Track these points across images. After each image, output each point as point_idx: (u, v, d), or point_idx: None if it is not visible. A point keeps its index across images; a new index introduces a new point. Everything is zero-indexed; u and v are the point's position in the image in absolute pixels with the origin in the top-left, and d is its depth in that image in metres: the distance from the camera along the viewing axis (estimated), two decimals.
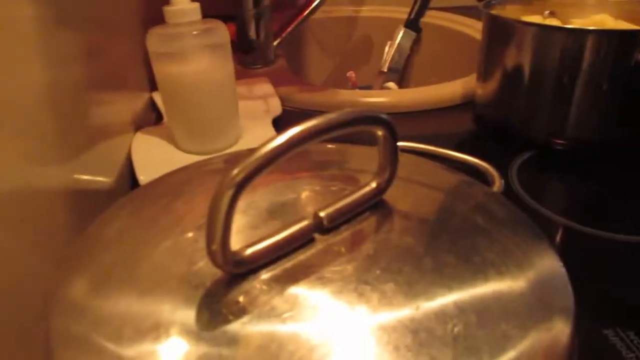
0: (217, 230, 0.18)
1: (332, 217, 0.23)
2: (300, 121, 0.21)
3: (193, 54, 0.48)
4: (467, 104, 0.64)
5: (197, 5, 0.48)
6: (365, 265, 0.21)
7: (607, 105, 0.50)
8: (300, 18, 0.78)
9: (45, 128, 0.33)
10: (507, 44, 0.54)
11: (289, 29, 0.78)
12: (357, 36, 1.03)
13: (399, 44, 0.96)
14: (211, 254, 0.19)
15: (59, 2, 0.37)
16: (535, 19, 0.63)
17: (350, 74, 0.98)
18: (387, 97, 0.64)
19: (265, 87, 0.65)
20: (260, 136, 0.53)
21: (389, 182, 0.24)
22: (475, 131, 0.60)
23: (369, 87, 0.96)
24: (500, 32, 0.55)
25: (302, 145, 0.19)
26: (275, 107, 0.61)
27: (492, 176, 0.34)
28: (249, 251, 0.21)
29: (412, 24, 0.95)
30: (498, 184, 0.32)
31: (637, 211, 0.45)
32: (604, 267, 0.38)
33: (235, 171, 0.19)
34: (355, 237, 0.23)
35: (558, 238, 0.41)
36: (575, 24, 0.61)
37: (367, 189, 0.24)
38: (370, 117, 0.21)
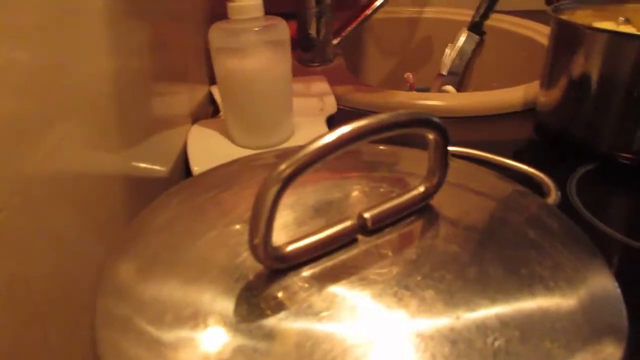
0: (260, 224, 0.19)
1: (376, 219, 0.23)
2: (352, 120, 0.21)
3: (253, 49, 0.49)
4: (529, 111, 0.62)
5: (259, 2, 0.48)
6: (407, 270, 0.21)
7: None
8: (360, 18, 0.78)
9: (108, 116, 0.35)
10: (576, 51, 0.51)
11: (349, 29, 0.78)
12: (418, 38, 1.01)
13: (460, 46, 0.94)
14: (253, 248, 0.19)
15: None
16: (608, 25, 0.60)
17: (408, 75, 0.96)
18: (444, 100, 0.62)
19: (321, 85, 0.65)
20: (312, 134, 0.53)
21: (437, 187, 0.24)
22: (536, 140, 0.58)
23: (426, 90, 0.95)
24: (568, 38, 0.53)
25: (351, 144, 0.19)
26: (331, 105, 0.61)
27: (548, 187, 0.33)
28: (291, 247, 0.21)
29: (476, 27, 0.93)
30: (554, 196, 0.30)
31: None
32: None
33: (282, 167, 0.19)
34: (398, 241, 0.22)
35: (615, 256, 0.39)
36: None
37: (414, 192, 0.24)
38: (422, 120, 0.21)
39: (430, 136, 0.22)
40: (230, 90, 0.51)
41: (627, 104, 0.48)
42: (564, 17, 0.58)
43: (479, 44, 0.95)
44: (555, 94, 0.55)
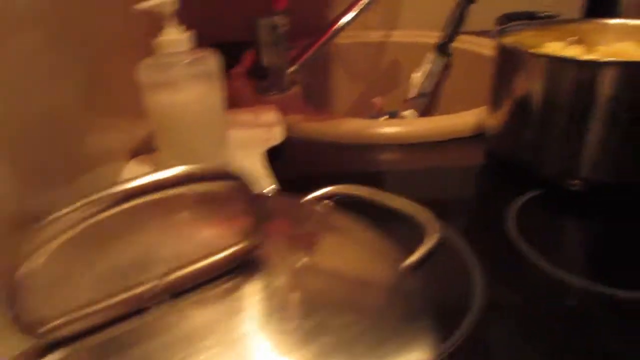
0: (12, 299, 0.17)
1: (179, 282, 0.20)
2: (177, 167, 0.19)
3: (183, 83, 0.48)
4: (481, 135, 0.60)
5: (186, 35, 0.47)
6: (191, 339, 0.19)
7: (624, 144, 0.45)
8: (317, 46, 0.77)
9: (39, 153, 0.33)
10: (518, 75, 0.50)
11: (306, 57, 0.77)
12: (386, 61, 1.00)
13: (428, 69, 0.93)
14: (15, 320, 0.18)
15: (64, 26, 0.38)
16: (558, 45, 0.58)
17: (376, 99, 0.96)
18: (394, 127, 0.61)
19: (271, 116, 0.64)
20: (249, 166, 0.52)
21: (253, 242, 0.22)
22: (486, 165, 0.56)
23: (395, 113, 0.93)
24: (510, 62, 0.51)
25: (124, 203, 0.18)
26: (277, 136, 0.60)
27: (427, 227, 0.29)
28: (65, 318, 0.19)
29: (443, 49, 0.92)
30: (434, 239, 0.28)
31: None
32: (611, 328, 0.34)
33: (25, 247, 0.17)
34: (197, 307, 0.20)
35: (542, 288, 0.36)
36: (599, 51, 0.56)
37: (230, 250, 0.22)
38: (217, 174, 0.19)
39: (235, 189, 0.20)
40: (162, 125, 0.49)
41: (570, 129, 0.47)
42: (510, 39, 0.57)
43: (447, 66, 0.93)
44: (501, 118, 0.53)
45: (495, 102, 0.54)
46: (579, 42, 0.59)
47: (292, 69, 0.76)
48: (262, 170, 0.51)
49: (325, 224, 0.26)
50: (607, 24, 0.58)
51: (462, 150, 0.59)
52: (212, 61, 0.49)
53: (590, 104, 0.45)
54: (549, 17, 0.62)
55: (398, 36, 0.99)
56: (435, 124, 0.61)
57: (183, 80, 0.48)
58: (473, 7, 0.93)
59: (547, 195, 0.48)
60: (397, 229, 0.27)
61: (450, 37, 0.92)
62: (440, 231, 0.28)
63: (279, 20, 0.69)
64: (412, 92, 0.93)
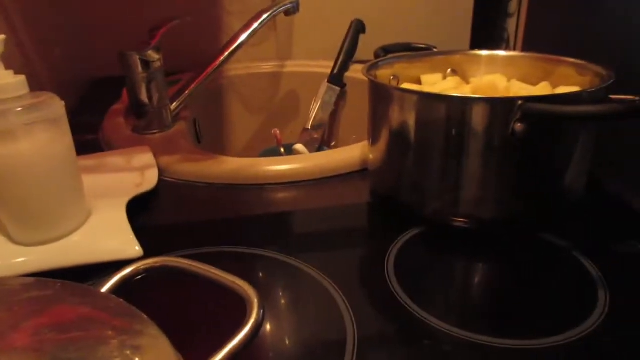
0: None
1: None
2: None
3: (20, 132, 0.42)
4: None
5: (21, 78, 0.42)
6: None
7: (498, 179, 0.44)
8: (200, 79, 0.73)
9: None
10: (390, 110, 0.48)
11: (189, 91, 0.73)
12: (283, 92, 0.98)
13: (322, 99, 0.91)
14: None
15: None
16: (436, 77, 0.58)
17: (275, 131, 0.93)
18: (275, 165, 0.58)
19: (145, 158, 0.59)
20: (110, 219, 0.47)
21: None
22: (370, 202, 0.54)
23: (292, 146, 0.91)
24: (381, 97, 0.50)
25: None
26: (150, 180, 0.55)
27: (251, 304, 0.25)
28: None
29: (336, 79, 0.91)
30: (255, 316, 0.24)
31: (533, 309, 0.38)
32: None
33: None
34: None
35: (433, 348, 0.34)
36: (472, 83, 0.56)
37: None
38: None
39: None
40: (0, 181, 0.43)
41: (445, 165, 0.45)
42: (386, 71, 0.56)
43: (341, 96, 0.93)
44: (379, 154, 0.51)
45: (373, 137, 0.52)
46: (454, 73, 0.59)
47: (175, 104, 0.72)
48: (122, 225, 0.46)
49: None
50: (479, 55, 0.58)
51: (347, 186, 0.57)
52: (54, 106, 0.44)
53: (461, 140, 0.44)
54: (425, 49, 0.62)
55: (293, 66, 0.98)
56: (319, 160, 0.58)
57: (20, 129, 0.42)
58: (366, 36, 0.93)
59: (429, 233, 0.47)
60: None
61: (343, 67, 0.91)
62: (260, 312, 0.24)
63: (151, 55, 0.65)
64: (308, 124, 0.92)
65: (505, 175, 0.44)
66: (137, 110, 0.68)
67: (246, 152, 0.96)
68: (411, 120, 0.46)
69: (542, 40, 1.03)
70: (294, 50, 1.01)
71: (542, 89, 0.50)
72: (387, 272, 0.42)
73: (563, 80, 0.52)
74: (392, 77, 0.57)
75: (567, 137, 0.44)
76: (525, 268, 0.43)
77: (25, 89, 0.42)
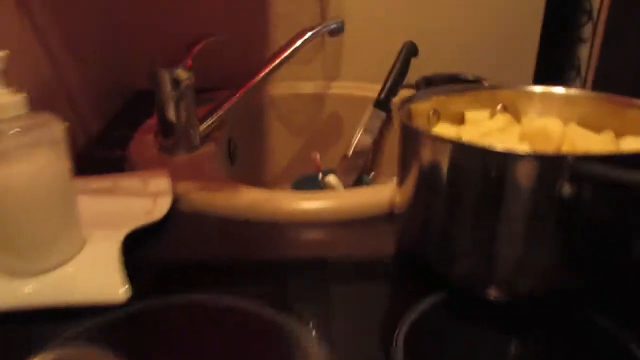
0: None
1: None
2: None
3: (14, 154, 0.40)
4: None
5: (20, 97, 0.39)
6: None
7: (536, 245, 0.37)
8: (234, 100, 0.69)
9: None
10: (419, 154, 0.42)
11: (220, 113, 0.69)
12: (327, 114, 0.93)
13: (366, 125, 0.86)
14: None
15: None
16: (482, 115, 0.52)
17: (315, 155, 0.88)
18: (297, 201, 0.53)
19: (161, 183, 0.56)
20: (102, 250, 0.44)
21: None
22: (394, 254, 0.48)
23: (333, 172, 0.86)
24: (411, 140, 0.44)
25: None
26: (160, 208, 0.52)
27: None
28: None
29: (382, 104, 0.85)
30: None
31: None
32: None
33: None
34: None
35: None
36: (523, 124, 0.49)
37: None
38: None
39: None
40: None
41: (478, 223, 0.39)
42: (424, 105, 0.50)
43: (387, 122, 0.87)
44: (406, 198, 0.45)
45: (401, 178, 0.46)
46: (504, 110, 0.52)
47: (205, 125, 0.69)
48: (113, 262, 0.42)
49: None
50: (532, 92, 0.51)
51: (371, 232, 0.51)
52: (53, 127, 0.41)
53: (499, 197, 0.37)
54: (474, 81, 0.55)
55: (338, 88, 0.93)
56: (343, 200, 0.53)
57: (15, 150, 0.39)
58: (419, 60, 0.87)
59: (453, 302, 0.40)
60: None
61: (390, 91, 0.85)
62: None
63: (181, 73, 0.62)
64: (349, 151, 0.86)
65: (550, 241, 0.37)
66: (163, 129, 0.65)
67: (283, 177, 0.91)
68: (443, 168, 0.40)
69: (618, 71, 0.92)
70: (341, 70, 0.96)
71: (604, 140, 0.42)
72: (396, 346, 0.35)
73: (634, 128, 0.44)
74: (431, 112, 0.51)
75: (628, 202, 0.36)
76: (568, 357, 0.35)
77: (23, 109, 0.40)
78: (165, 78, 0.62)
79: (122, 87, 0.90)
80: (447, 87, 0.51)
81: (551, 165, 0.34)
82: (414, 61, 0.87)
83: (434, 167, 0.40)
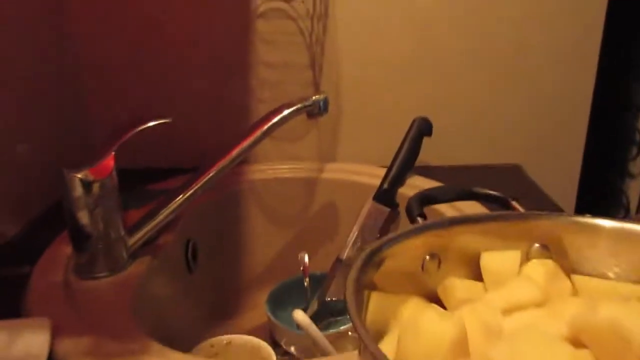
0: None
1: None
2: None
3: None
4: None
5: None
6: None
7: None
8: (187, 193, 0.53)
9: None
10: None
11: (165, 214, 0.52)
12: (319, 204, 0.76)
13: (364, 222, 0.68)
14: None
15: None
16: (510, 259, 0.33)
17: (302, 256, 0.70)
18: None
19: (36, 342, 0.39)
20: None
21: None
22: None
23: (322, 278, 0.68)
24: None
25: None
26: None
27: None
28: None
29: (385, 196, 0.67)
30: None
31: None
32: None
33: None
34: None
35: None
36: (576, 287, 0.30)
37: None
38: None
39: None
40: None
41: None
42: (417, 244, 0.32)
43: (390, 220, 0.68)
44: None
45: None
46: (544, 250, 0.33)
47: (139, 234, 0.52)
48: None
49: None
50: (592, 224, 0.32)
51: None
52: None
53: None
54: (497, 199, 0.37)
55: (334, 172, 0.75)
56: None
57: None
58: (429, 146, 0.69)
59: None
60: None
61: (396, 180, 0.67)
62: None
63: (97, 173, 0.46)
64: (343, 253, 0.68)
65: None
66: (75, 242, 0.49)
67: (260, 282, 0.73)
68: None
69: None
70: (338, 151, 0.79)
71: None
72: None
73: None
74: (427, 257, 0.33)
75: None
76: None
77: None
78: (74, 182, 0.46)
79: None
80: (446, 220, 0.33)
81: None
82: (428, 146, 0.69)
83: None
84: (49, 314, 0.42)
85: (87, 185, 0.46)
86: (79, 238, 0.48)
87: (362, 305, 0.25)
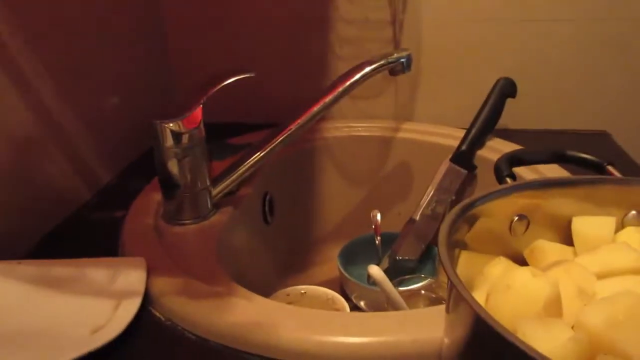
0: None
1: None
2: None
3: None
4: None
5: None
6: None
7: None
8: (267, 148, 0.54)
9: None
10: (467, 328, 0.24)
11: (237, 175, 0.54)
12: (393, 164, 0.75)
13: (440, 183, 0.67)
14: None
15: None
16: (604, 225, 0.32)
17: (374, 214, 0.70)
18: (300, 331, 0.36)
19: (134, 277, 0.42)
20: None
21: None
22: None
23: (394, 237, 0.68)
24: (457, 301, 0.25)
25: None
26: (119, 320, 0.38)
27: None
28: None
29: (462, 158, 0.66)
30: None
31: None
32: None
33: None
34: None
35: None
36: None
37: None
38: None
39: None
40: None
41: None
42: (506, 206, 0.31)
43: (468, 182, 0.67)
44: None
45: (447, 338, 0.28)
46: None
47: (222, 185, 0.54)
48: None
49: None
50: None
51: None
52: None
53: None
54: (593, 164, 0.35)
55: (410, 132, 0.75)
56: (375, 339, 0.35)
57: None
58: (512, 106, 0.67)
59: None
60: None
61: (475, 141, 0.66)
62: None
63: (186, 124, 0.48)
64: (416, 214, 0.68)
65: None
66: (165, 191, 0.52)
67: (332, 238, 0.75)
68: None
69: None
70: (416, 110, 0.78)
71: None
72: None
73: None
74: (515, 218, 0.32)
75: None
76: None
77: None
78: (165, 132, 0.48)
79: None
80: (540, 181, 0.32)
81: None
82: (507, 109, 0.67)
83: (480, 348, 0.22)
84: (143, 254, 0.45)
85: (177, 135, 0.48)
86: (168, 186, 0.51)
87: (453, 259, 0.26)
